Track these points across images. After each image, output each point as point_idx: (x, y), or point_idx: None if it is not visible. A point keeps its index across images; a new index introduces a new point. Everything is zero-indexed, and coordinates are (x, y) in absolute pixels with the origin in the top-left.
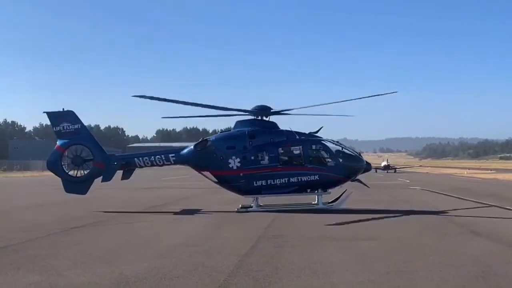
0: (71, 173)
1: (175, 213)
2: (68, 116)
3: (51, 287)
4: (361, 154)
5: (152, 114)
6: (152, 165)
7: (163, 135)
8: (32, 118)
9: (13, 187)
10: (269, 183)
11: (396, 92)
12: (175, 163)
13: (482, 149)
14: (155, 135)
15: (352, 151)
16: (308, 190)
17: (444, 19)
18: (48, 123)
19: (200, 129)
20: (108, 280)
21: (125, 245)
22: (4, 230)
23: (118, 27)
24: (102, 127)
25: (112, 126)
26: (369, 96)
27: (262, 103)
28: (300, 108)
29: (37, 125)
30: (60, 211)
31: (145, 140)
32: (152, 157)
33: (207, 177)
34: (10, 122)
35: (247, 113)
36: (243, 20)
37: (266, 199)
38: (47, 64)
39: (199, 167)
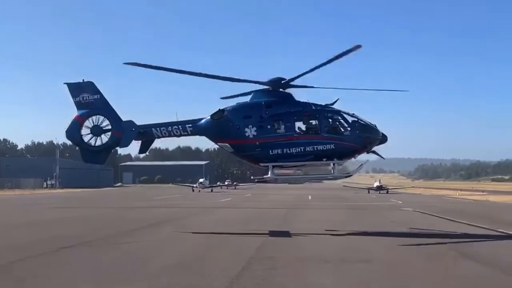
0: (89, 142)
1: (167, 233)
2: (87, 87)
3: None
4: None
5: None
6: (170, 135)
7: (155, 154)
8: (24, 136)
9: (3, 205)
10: (285, 152)
11: (407, 91)
12: (192, 133)
13: (474, 171)
14: (147, 153)
15: (369, 122)
16: (324, 159)
17: (433, 34)
18: (40, 140)
19: (193, 148)
20: None
21: (115, 265)
22: None
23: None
24: None
25: None
26: (380, 90)
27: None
28: (319, 88)
29: (29, 143)
30: (51, 230)
31: (137, 158)
32: (170, 127)
33: (223, 148)
34: (2, 139)
35: (263, 85)
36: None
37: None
38: (36, 83)
39: (215, 137)
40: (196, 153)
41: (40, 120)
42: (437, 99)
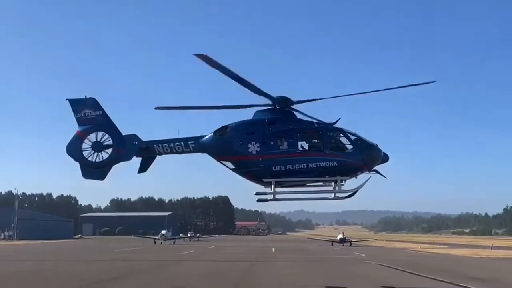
0: (89, 158)
1: None
2: (90, 103)
3: None
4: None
5: (106, 183)
6: (172, 152)
7: (117, 204)
8: None
9: None
10: (287, 168)
11: (434, 81)
12: (194, 150)
13: (436, 224)
14: (109, 204)
15: (370, 141)
16: (327, 176)
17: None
18: None
19: (156, 199)
20: None
21: None
22: None
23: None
24: (54, 196)
25: (64, 194)
26: (404, 86)
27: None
28: (323, 99)
29: None
30: (4, 285)
31: (98, 209)
32: (172, 143)
33: (225, 165)
34: None
35: (266, 106)
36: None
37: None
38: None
39: (218, 153)
40: (159, 204)
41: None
42: (397, 152)
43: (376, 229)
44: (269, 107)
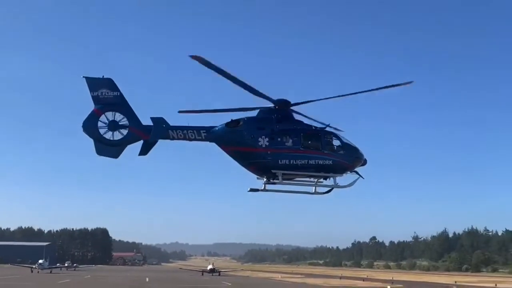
0: (105, 136)
1: None
2: (106, 83)
3: None
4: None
5: None
6: (184, 138)
7: None
8: None
9: None
10: (291, 162)
11: (412, 81)
12: (206, 139)
13: (295, 256)
14: None
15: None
16: (322, 173)
17: None
18: None
19: (36, 229)
20: None
21: None
22: None
23: None
24: None
25: None
26: (384, 87)
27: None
28: (318, 100)
29: None
30: None
31: None
32: (185, 130)
33: (231, 155)
34: None
35: (270, 101)
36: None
37: None
38: None
39: (228, 144)
40: (38, 234)
41: None
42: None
43: (243, 260)
44: (271, 107)
